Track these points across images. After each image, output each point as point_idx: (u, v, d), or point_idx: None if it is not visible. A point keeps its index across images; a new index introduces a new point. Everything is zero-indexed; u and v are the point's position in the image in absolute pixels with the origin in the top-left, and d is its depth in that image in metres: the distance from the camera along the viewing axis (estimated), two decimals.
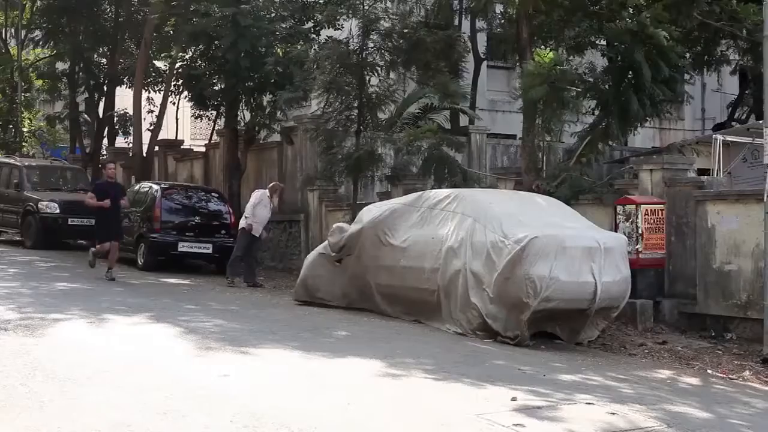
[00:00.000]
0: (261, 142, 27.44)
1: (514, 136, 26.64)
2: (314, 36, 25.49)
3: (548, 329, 14.69)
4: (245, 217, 20.44)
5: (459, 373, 10.86)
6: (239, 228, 20.68)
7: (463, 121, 26.91)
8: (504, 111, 29.26)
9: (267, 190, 20.86)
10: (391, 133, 21.43)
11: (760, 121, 17.40)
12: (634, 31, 17.81)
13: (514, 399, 9.47)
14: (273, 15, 24.89)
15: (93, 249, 19.81)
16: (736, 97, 32.04)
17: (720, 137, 21.19)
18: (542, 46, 20.11)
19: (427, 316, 15.33)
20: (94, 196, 19.37)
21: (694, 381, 12.62)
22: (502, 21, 25.46)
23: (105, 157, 33.85)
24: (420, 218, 15.86)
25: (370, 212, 17.02)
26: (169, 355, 11.23)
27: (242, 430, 7.69)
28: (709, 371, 13.54)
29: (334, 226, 17.64)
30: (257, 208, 20.30)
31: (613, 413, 9.25)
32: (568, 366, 12.43)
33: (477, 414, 8.69)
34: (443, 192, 16.61)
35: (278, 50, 24.39)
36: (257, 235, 20.48)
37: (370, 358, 11.49)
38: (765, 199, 14.91)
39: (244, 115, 26.41)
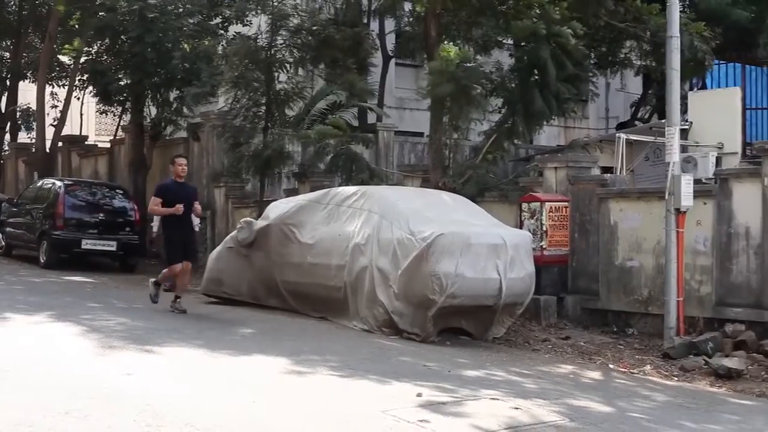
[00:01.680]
0: (167, 138, 27.12)
1: (421, 134, 26.73)
2: (222, 32, 25.33)
3: (455, 325, 14.79)
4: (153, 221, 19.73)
5: (365, 369, 10.87)
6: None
7: (371, 118, 26.93)
8: (412, 109, 29.30)
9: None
10: (299, 130, 21.38)
11: (663, 121, 17.75)
12: (540, 30, 18.01)
13: (419, 395, 9.50)
14: (180, 10, 24.67)
15: (154, 279, 15.57)
16: (639, 96, 32.57)
17: (623, 136, 21.54)
18: (450, 45, 20.23)
19: (334, 313, 15.32)
20: (159, 201, 15.15)
21: (596, 375, 12.81)
22: (411, 19, 25.55)
23: (6, 152, 33.03)
24: (327, 215, 15.86)
25: (277, 209, 16.97)
26: (72, 354, 11.03)
27: (145, 429, 7.59)
28: (611, 366, 13.77)
29: (242, 220, 17.53)
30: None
31: (517, 408, 9.33)
32: (473, 362, 12.52)
33: (382, 410, 8.70)
34: (350, 189, 16.63)
35: (185, 46, 24.18)
36: None
37: (276, 356, 11.44)
38: (666, 197, 15.23)
39: (150, 110, 26.14)
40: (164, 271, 15.38)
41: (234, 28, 24.46)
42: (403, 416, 8.53)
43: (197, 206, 15.54)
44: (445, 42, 20.26)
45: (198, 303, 16.96)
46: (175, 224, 15.12)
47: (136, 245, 22.93)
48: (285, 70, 21.80)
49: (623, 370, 13.51)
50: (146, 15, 23.16)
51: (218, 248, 17.89)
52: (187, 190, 15.57)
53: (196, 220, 16.62)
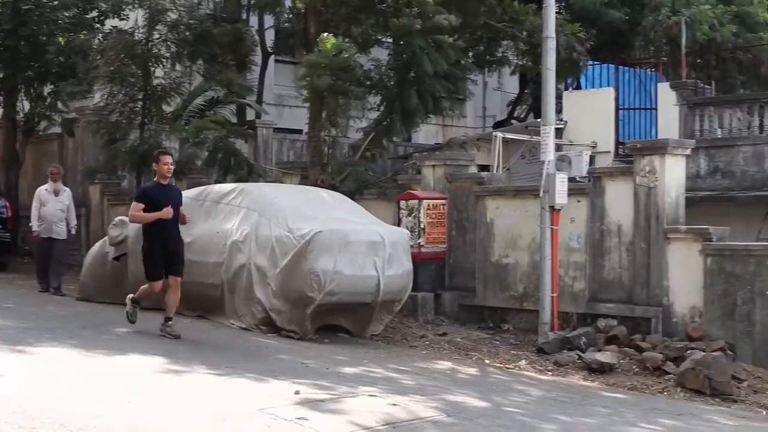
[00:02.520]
0: (41, 133, 26.51)
1: (300, 131, 26.67)
2: (98, 25, 24.85)
3: (333, 323, 14.80)
4: (30, 224, 18.66)
5: (242, 368, 10.81)
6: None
7: (250, 115, 26.77)
8: (291, 106, 29.15)
9: (45, 185, 18.82)
10: (176, 126, 21.14)
11: (538, 120, 18.02)
12: (415, 26, 18.13)
13: (297, 393, 9.49)
14: (56, 2, 24.13)
15: (132, 296, 13.45)
16: (515, 96, 33.03)
17: (500, 134, 21.85)
18: (328, 36, 20.24)
19: (211, 312, 15.17)
20: (141, 207, 13.05)
21: (473, 371, 12.98)
22: (290, 16, 25.47)
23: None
24: (204, 212, 15.69)
25: None
26: None
27: (18, 431, 7.44)
28: (487, 361, 13.95)
29: (116, 219, 17.22)
30: (41, 209, 18.28)
31: (395, 404, 9.39)
32: (351, 359, 12.55)
33: (260, 408, 8.67)
34: (228, 186, 16.51)
35: (60, 39, 23.69)
36: (56, 237, 18.35)
37: (152, 355, 11.30)
38: (541, 195, 15.48)
39: (23, 105, 25.51)
40: (143, 287, 13.28)
41: (110, 22, 24.00)
42: (281, 414, 8.51)
43: (185, 213, 13.60)
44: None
45: (72, 302, 16.65)
46: (159, 232, 13.01)
47: (8, 243, 22.34)
48: (162, 66, 21.54)
49: (499, 365, 13.70)
50: (20, 7, 22.60)
51: (91, 252, 17.52)
52: (173, 192, 13.61)
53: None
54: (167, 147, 20.78)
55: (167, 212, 12.88)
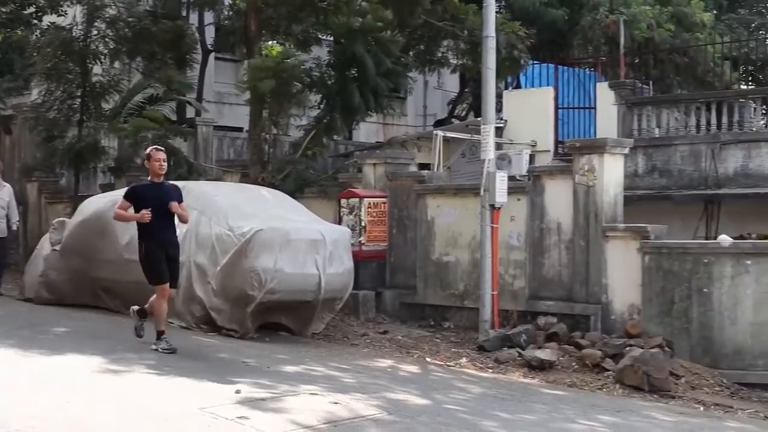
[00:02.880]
0: None
1: (241, 129, 26.53)
2: (36, 22, 24.56)
3: (274, 321, 14.76)
4: None
5: (182, 367, 10.73)
6: None
7: (190, 113, 26.60)
8: (231, 103, 28.99)
9: None
10: (115, 123, 20.95)
11: (479, 118, 18.10)
12: (358, 27, 18.14)
13: (238, 392, 9.44)
14: None
15: (138, 308, 12.43)
16: (456, 94, 33.15)
17: (440, 133, 21.92)
18: (270, 40, 20.19)
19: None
20: (127, 206, 12.11)
21: (414, 369, 13.00)
22: (231, 13, 25.32)
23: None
24: None
25: (92, 204, 16.58)
26: None
27: None
28: (428, 359, 13.99)
29: (55, 221, 17.05)
30: None
31: (336, 403, 9.38)
32: (292, 357, 12.53)
33: (200, 408, 8.61)
34: None
35: None
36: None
37: (92, 355, 11.18)
38: (482, 193, 15.56)
39: None
40: (153, 298, 12.11)
41: (48, 18, 23.74)
42: (222, 413, 8.46)
43: (175, 207, 11.96)
44: (265, 36, 20.22)
45: (10, 301, 16.45)
46: (154, 234, 11.89)
47: None
48: (101, 63, 21.34)
49: (440, 363, 13.75)
50: None
51: (36, 253, 17.30)
52: (164, 191, 12.12)
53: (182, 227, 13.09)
54: (105, 145, 20.64)
55: (143, 215, 11.69)
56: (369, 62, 18.29)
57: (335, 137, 21.13)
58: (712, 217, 19.71)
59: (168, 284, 11.92)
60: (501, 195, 15.48)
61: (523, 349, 14.28)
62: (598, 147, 15.55)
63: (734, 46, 25.87)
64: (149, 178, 12.24)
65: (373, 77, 18.57)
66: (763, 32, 31.69)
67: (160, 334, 11.89)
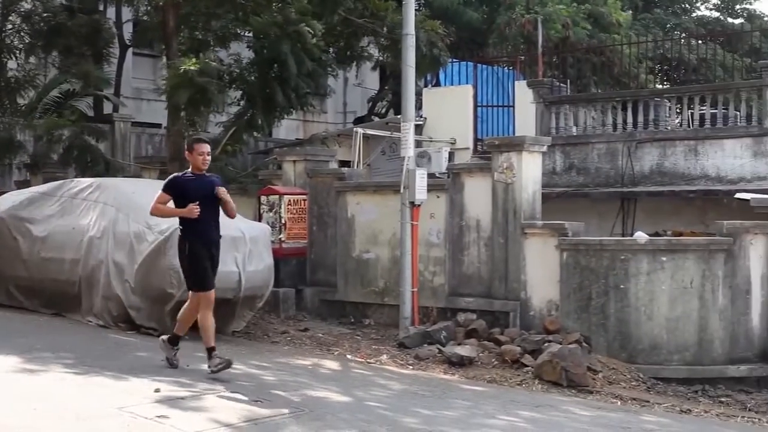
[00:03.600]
0: None
1: (159, 125, 26.30)
2: None
3: (194, 319, 14.61)
4: None
5: (100, 366, 10.61)
6: None
7: (108, 108, 26.28)
8: (150, 99, 28.74)
9: None
10: (30, 119, 20.62)
11: (398, 116, 18.15)
12: (280, 24, 18.07)
13: (157, 390, 9.35)
14: None
15: (167, 336, 11.07)
16: (376, 92, 33.20)
17: (360, 130, 21.96)
18: (189, 36, 20.01)
19: (68, 309, 14.87)
20: (167, 199, 10.74)
21: (335, 366, 13.00)
22: (149, 8, 25.07)
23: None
24: (60, 208, 15.37)
25: (6, 202, 16.32)
26: None
27: None
28: (349, 356, 14.00)
29: None
30: None
31: (257, 401, 9.34)
32: None
33: (119, 407, 8.51)
34: (85, 181, 16.16)
35: None
36: None
37: (6, 354, 10.99)
38: (402, 191, 15.60)
39: None
40: (183, 311, 10.84)
41: None
42: (141, 413, 8.37)
43: (223, 192, 10.75)
44: (184, 32, 20.03)
45: None
46: (199, 233, 10.60)
47: None
48: (15, 57, 20.99)
49: (360, 360, 13.76)
50: None
51: None
52: (209, 182, 10.81)
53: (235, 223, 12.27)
54: (20, 140, 20.32)
55: (191, 210, 10.44)
56: (291, 62, 18.23)
57: (255, 134, 21.01)
58: (628, 215, 20.00)
59: (213, 291, 10.66)
60: (421, 192, 15.54)
61: (443, 346, 14.35)
62: (517, 145, 15.69)
63: (650, 46, 26.26)
64: (190, 170, 10.84)
65: (294, 77, 18.52)
66: (679, 32, 32.20)
67: (211, 352, 10.53)
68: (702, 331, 14.39)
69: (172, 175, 11.11)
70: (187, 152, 10.88)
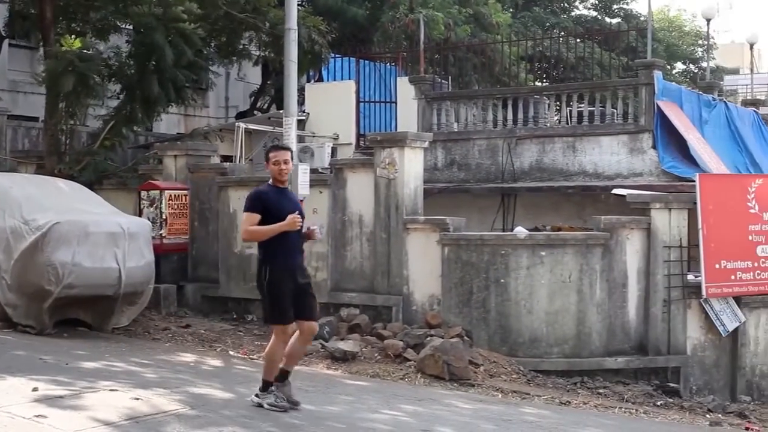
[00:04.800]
0: None
1: (36, 119, 25.69)
2: None
3: (73, 316, 14.40)
4: None
5: None
6: None
7: None
8: (26, 92, 28.07)
9: None
10: None
11: (281, 111, 18.08)
12: (158, 16, 17.85)
13: (35, 389, 9.17)
14: None
15: (259, 392, 9.37)
16: (258, 86, 33.03)
17: (242, 125, 21.81)
18: (67, 28, 19.63)
19: None
20: (258, 218, 9.16)
21: (217, 363, 12.92)
22: None
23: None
24: None
25: None
26: None
27: None
28: (231, 352, 13.93)
29: None
30: None
31: (137, 398, 9.22)
32: (91, 353, 12.26)
33: None
34: None
35: None
36: None
37: None
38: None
39: None
40: (268, 351, 9.35)
41: None
42: (19, 412, 8.20)
43: (315, 236, 9.78)
44: (62, 23, 19.64)
45: None
46: (281, 257, 9.24)
47: None
48: None
49: (243, 356, 13.71)
50: None
51: None
52: (292, 199, 9.68)
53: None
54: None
55: (294, 220, 9.14)
56: (169, 53, 18.02)
57: (135, 128, 20.72)
58: (508, 210, 20.27)
59: (289, 325, 9.22)
60: (303, 187, 15.51)
61: (327, 341, 14.36)
62: (399, 141, 15.79)
63: (529, 44, 26.67)
64: (270, 183, 9.42)
65: (172, 69, 18.32)
66: (557, 31, 32.77)
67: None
68: (580, 324, 14.71)
69: (253, 191, 9.53)
70: (265, 164, 9.56)
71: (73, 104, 18.33)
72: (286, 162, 9.26)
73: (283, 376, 9.35)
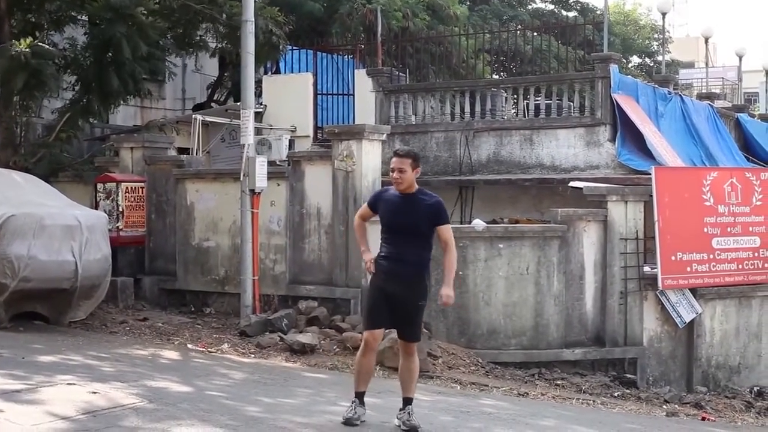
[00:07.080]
0: None
1: None
2: None
3: (29, 310, 14.28)
4: None
5: None
6: None
7: None
8: None
9: None
10: None
11: (238, 103, 18.04)
12: (115, 7, 17.72)
13: None
14: None
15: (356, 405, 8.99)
16: (215, 78, 32.87)
17: (199, 117, 21.71)
18: (22, 19, 19.42)
19: None
20: (368, 214, 9.34)
21: (175, 356, 12.87)
22: None
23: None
24: None
25: None
26: None
27: None
28: (190, 346, 13.88)
29: None
30: None
31: (95, 392, 9.19)
32: (48, 347, 12.18)
33: None
34: None
35: None
36: None
37: None
38: (242, 178, 15.53)
39: None
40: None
41: None
42: None
43: (444, 233, 9.02)
44: (17, 16, 19.42)
45: None
46: (381, 261, 8.85)
47: None
48: None
49: (201, 349, 13.66)
50: None
51: None
52: (416, 209, 8.83)
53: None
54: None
55: (369, 267, 8.90)
56: (126, 45, 17.88)
57: (91, 120, 20.55)
58: (466, 202, 20.34)
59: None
60: (261, 180, 15.50)
61: (285, 334, 14.35)
62: (357, 133, 15.80)
63: (487, 37, 26.72)
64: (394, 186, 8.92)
65: (131, 61, 18.19)
66: (515, 24, 32.83)
67: (406, 403, 8.93)
68: (538, 316, 14.81)
69: (380, 192, 9.41)
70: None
71: (27, 98, 18.15)
72: (400, 171, 8.69)
73: (407, 402, 8.97)
